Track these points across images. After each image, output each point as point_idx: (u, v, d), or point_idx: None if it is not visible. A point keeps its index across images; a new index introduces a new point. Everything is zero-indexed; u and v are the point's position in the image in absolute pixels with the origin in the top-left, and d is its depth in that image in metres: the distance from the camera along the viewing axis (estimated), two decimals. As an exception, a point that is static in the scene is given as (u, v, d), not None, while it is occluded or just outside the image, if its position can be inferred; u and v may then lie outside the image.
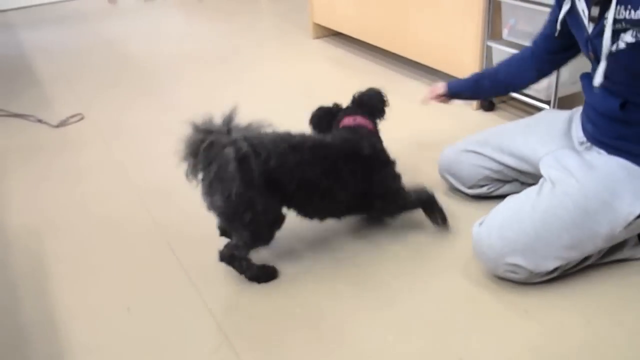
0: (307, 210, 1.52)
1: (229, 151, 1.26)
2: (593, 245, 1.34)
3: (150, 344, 1.31)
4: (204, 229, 1.69)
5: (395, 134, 2.16)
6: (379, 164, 1.53)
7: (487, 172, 1.66)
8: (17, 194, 1.95)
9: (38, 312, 1.42)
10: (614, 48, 1.25)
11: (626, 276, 1.40)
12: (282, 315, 1.36)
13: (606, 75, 1.30)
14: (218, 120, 1.30)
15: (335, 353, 1.24)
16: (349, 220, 1.67)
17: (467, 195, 1.72)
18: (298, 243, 1.61)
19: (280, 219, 1.46)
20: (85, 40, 3.62)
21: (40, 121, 2.43)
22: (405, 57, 2.68)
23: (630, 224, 1.30)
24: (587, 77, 1.49)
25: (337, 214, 1.57)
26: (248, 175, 1.29)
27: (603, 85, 1.33)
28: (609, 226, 1.31)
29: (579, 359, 1.19)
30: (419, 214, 1.64)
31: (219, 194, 1.33)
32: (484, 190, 1.70)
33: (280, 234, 1.63)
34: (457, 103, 2.38)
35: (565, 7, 1.40)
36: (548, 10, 1.93)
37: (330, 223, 1.66)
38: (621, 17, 1.21)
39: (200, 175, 1.32)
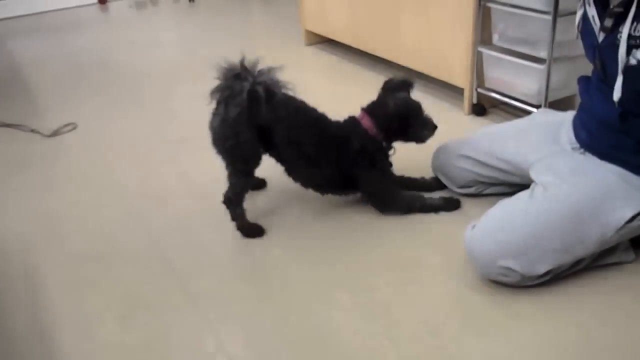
0: (293, 172, 1.69)
1: (245, 85, 1.46)
2: (584, 249, 1.34)
3: (145, 352, 1.30)
4: (199, 237, 1.69)
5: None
6: (363, 162, 1.63)
7: (475, 176, 1.69)
8: (10, 203, 1.94)
9: (31, 323, 1.41)
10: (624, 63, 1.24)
11: (617, 279, 1.41)
12: (277, 322, 1.36)
13: (610, 84, 1.30)
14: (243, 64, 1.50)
15: (331, 359, 1.25)
16: (341, 225, 1.68)
17: (457, 193, 1.75)
18: (293, 251, 1.61)
19: (257, 157, 1.62)
20: (77, 49, 3.61)
21: (33, 131, 2.42)
22: (397, 64, 2.69)
23: (621, 228, 1.32)
24: (584, 81, 1.49)
25: (320, 187, 1.72)
26: (248, 112, 1.49)
27: (603, 92, 1.32)
28: (600, 230, 1.32)
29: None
30: (414, 216, 1.66)
31: (219, 117, 1.54)
32: (472, 190, 1.73)
33: (275, 242, 1.64)
34: (448, 108, 2.40)
35: (580, 12, 1.41)
36: (537, 15, 1.96)
37: (324, 228, 1.67)
38: (637, 33, 1.21)
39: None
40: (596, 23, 1.33)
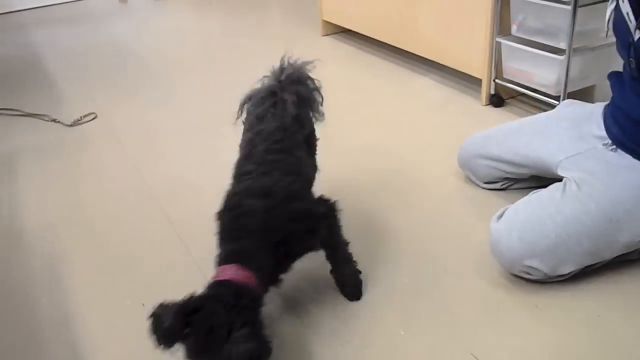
0: None
1: (292, 97, 1.48)
2: (611, 252, 1.33)
3: (166, 339, 1.33)
4: (216, 226, 1.71)
5: (406, 130, 2.18)
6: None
7: (501, 173, 1.67)
8: (32, 192, 1.98)
9: (54, 308, 1.45)
10: None
11: (636, 272, 1.40)
12: (291, 310, 1.38)
13: None
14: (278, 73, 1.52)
15: (347, 348, 1.26)
16: (355, 216, 1.69)
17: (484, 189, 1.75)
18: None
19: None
20: (97, 40, 3.65)
21: (54, 120, 2.46)
22: (414, 54, 2.68)
23: None
24: (616, 76, 1.44)
25: None
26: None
27: (637, 92, 1.28)
28: (629, 235, 1.30)
29: (588, 353, 1.20)
30: (436, 209, 1.65)
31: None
32: (498, 185, 1.72)
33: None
34: (466, 98, 2.39)
35: (610, 7, 1.37)
36: (556, 5, 1.94)
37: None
38: None
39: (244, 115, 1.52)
40: (631, 20, 1.28)
